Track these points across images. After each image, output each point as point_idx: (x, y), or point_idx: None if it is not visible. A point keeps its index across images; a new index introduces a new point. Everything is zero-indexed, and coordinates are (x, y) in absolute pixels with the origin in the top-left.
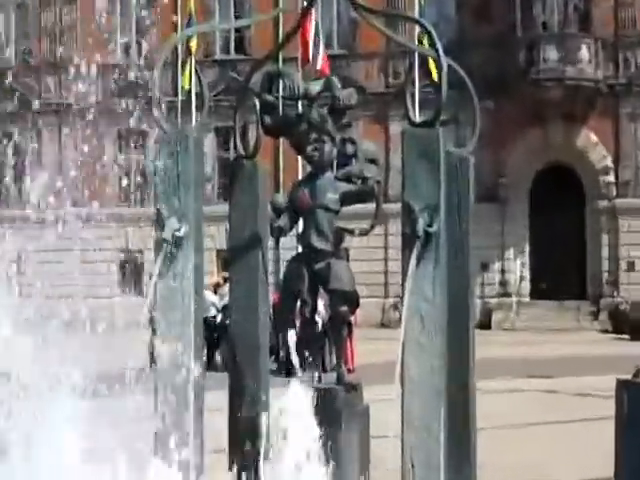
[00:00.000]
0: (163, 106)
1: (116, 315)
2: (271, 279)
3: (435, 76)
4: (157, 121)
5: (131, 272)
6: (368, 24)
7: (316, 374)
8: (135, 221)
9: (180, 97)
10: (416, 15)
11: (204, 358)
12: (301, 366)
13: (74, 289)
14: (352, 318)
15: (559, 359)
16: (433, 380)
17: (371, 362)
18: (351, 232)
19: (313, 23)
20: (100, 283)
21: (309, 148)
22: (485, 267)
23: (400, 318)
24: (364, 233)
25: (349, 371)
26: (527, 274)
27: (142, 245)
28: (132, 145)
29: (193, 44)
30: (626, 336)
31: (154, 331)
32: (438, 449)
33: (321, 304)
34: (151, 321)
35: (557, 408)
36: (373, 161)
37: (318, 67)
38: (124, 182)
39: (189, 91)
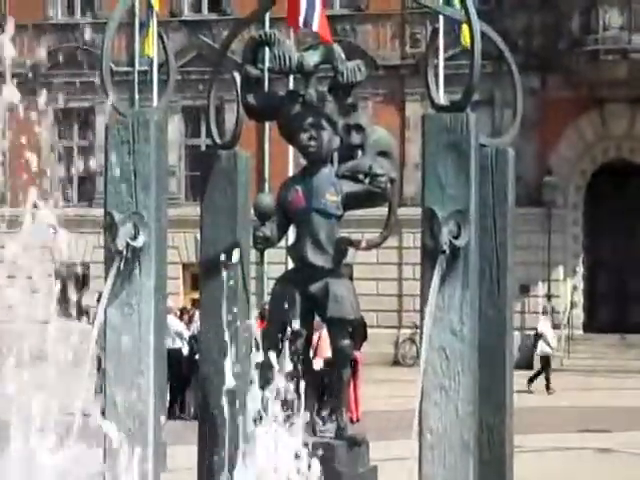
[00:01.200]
0: (116, 79)
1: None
2: (253, 303)
3: (467, 44)
4: (108, 99)
5: (74, 290)
6: None
7: (310, 425)
8: (79, 226)
9: (138, 68)
10: None
11: (167, 404)
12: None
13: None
14: (357, 354)
15: (620, 409)
16: (460, 433)
17: (381, 410)
18: (356, 244)
19: None
20: (35, 304)
21: (304, 136)
22: (526, 290)
23: (418, 354)
24: (373, 246)
25: (352, 422)
26: (580, 300)
27: (88, 257)
28: (75, 129)
29: (155, 0)
30: None
31: (102, 369)
32: None
33: (317, 336)
34: (99, 356)
35: (617, 472)
36: (385, 154)
37: (315, 29)
38: (65, 176)
39: (150, 61)
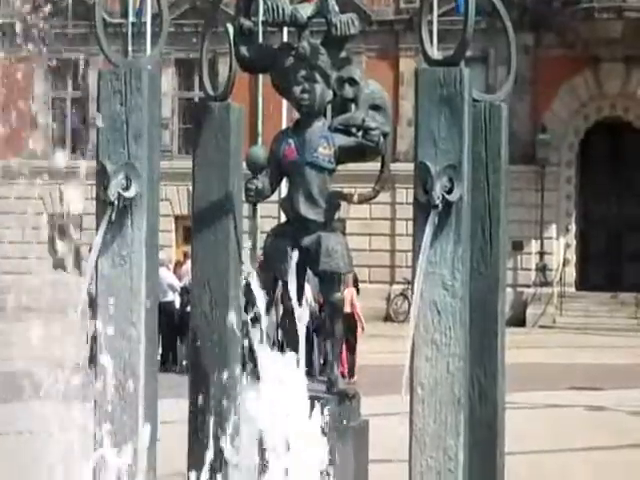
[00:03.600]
0: (109, 30)
1: (47, 297)
2: (246, 257)
3: None
4: (101, 49)
5: (66, 243)
6: None
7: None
8: (72, 177)
9: (131, 19)
10: None
11: (158, 356)
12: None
13: None
14: (358, 310)
15: (611, 367)
16: (450, 388)
17: (372, 365)
18: (349, 198)
19: None
20: (27, 256)
21: (297, 89)
22: (519, 247)
23: (410, 309)
24: (365, 200)
25: (343, 376)
26: (573, 258)
27: (81, 209)
28: (68, 80)
29: None
30: None
31: (95, 320)
32: (457, 476)
33: (309, 289)
34: (92, 307)
35: (607, 429)
36: (378, 107)
37: None
38: (57, 127)
39: (142, 11)
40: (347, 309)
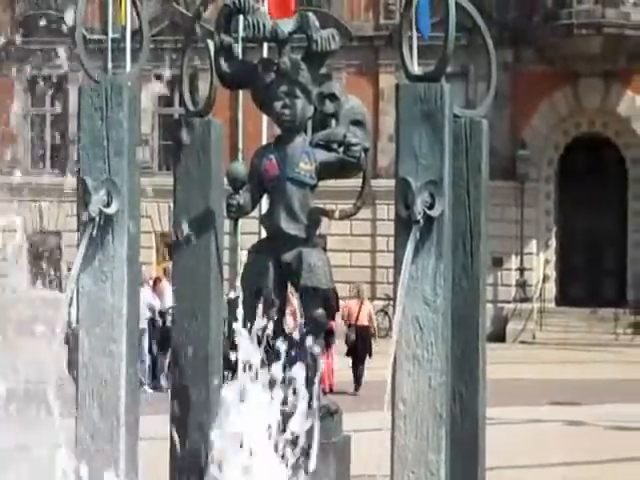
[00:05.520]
0: (89, 47)
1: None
2: (226, 273)
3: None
4: (82, 65)
5: (46, 259)
6: None
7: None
8: (52, 194)
9: (111, 35)
10: None
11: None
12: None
13: None
14: (332, 324)
15: (590, 382)
16: (432, 403)
17: (345, 382)
18: (330, 214)
19: None
20: (5, 273)
21: (278, 104)
22: (499, 263)
23: (391, 326)
24: (346, 216)
25: (325, 392)
26: (552, 274)
27: (61, 225)
28: (48, 96)
29: None
30: None
31: (73, 337)
32: None
33: (289, 308)
34: (70, 325)
35: (586, 444)
36: (359, 123)
37: None
38: (38, 143)
39: (123, 28)
40: (365, 322)
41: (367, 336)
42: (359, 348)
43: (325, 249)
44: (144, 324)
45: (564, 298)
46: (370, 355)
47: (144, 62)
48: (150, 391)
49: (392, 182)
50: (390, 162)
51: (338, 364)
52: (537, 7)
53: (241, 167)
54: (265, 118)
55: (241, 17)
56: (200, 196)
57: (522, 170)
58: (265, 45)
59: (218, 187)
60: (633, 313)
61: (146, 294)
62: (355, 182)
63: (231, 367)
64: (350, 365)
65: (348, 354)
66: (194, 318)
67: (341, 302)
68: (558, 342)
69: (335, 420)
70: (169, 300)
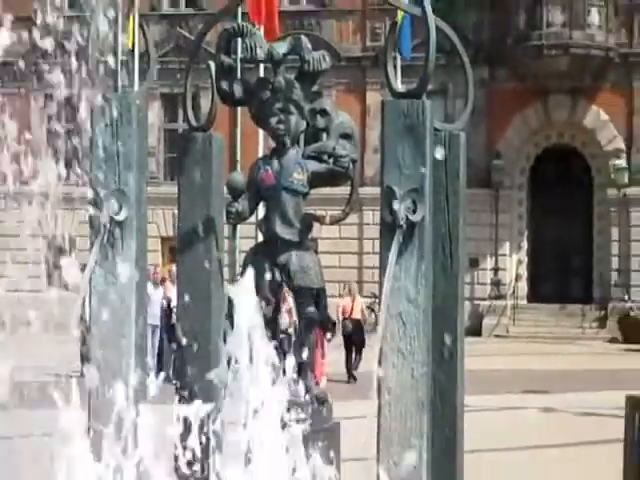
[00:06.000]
0: (101, 68)
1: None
2: (226, 274)
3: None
4: (94, 85)
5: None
6: None
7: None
8: (66, 202)
9: (121, 57)
10: None
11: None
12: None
13: None
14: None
15: (559, 372)
16: (415, 392)
17: (343, 373)
18: (321, 220)
19: None
20: (25, 275)
21: (273, 120)
22: (475, 264)
23: (377, 322)
24: (336, 221)
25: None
26: (524, 273)
27: (74, 231)
28: (63, 112)
29: None
30: (637, 346)
31: (87, 332)
32: (420, 473)
33: (285, 305)
34: (84, 320)
35: (556, 429)
36: (348, 136)
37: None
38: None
39: (132, 50)
40: (358, 316)
41: (361, 328)
42: (354, 339)
43: (317, 251)
44: (157, 321)
45: (535, 295)
46: (364, 345)
47: (151, 81)
48: (157, 382)
49: (377, 190)
50: (376, 172)
51: (334, 356)
52: (510, 29)
53: (240, 177)
54: (261, 132)
55: (239, 40)
56: (202, 204)
57: (497, 179)
58: (261, 66)
59: (219, 195)
60: (598, 309)
61: (159, 294)
62: (344, 190)
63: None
64: (345, 356)
65: (345, 345)
66: (196, 315)
67: (332, 300)
68: (530, 336)
69: (326, 408)
70: (174, 299)
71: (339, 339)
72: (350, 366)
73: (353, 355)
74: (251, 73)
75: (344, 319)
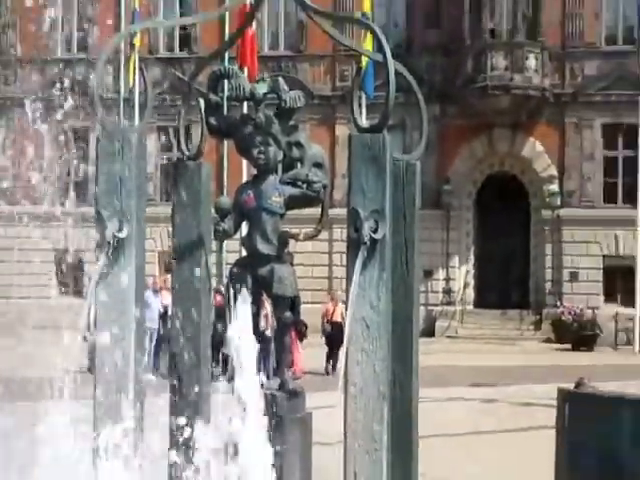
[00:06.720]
0: (105, 104)
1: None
2: (214, 283)
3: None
4: (99, 119)
5: (70, 273)
6: (316, 26)
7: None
8: (75, 221)
9: (122, 95)
10: (364, 19)
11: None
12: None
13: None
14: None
15: (501, 368)
16: (376, 385)
17: (314, 368)
18: (296, 236)
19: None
20: (38, 283)
21: (254, 150)
22: (429, 274)
23: (344, 324)
24: (309, 238)
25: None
26: (471, 282)
27: (82, 245)
28: (72, 143)
29: (137, 40)
30: (568, 346)
31: (93, 333)
32: (381, 455)
33: (263, 311)
34: (89, 323)
35: (497, 417)
36: (319, 165)
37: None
38: (64, 181)
39: (132, 89)
40: (339, 319)
41: (340, 329)
42: (335, 338)
43: (292, 264)
44: (155, 324)
45: (480, 302)
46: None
47: (149, 117)
48: (153, 377)
49: (345, 211)
50: (343, 195)
51: (316, 353)
52: (459, 72)
53: (226, 200)
54: (244, 161)
55: (226, 81)
56: (193, 222)
57: (447, 201)
58: (245, 103)
59: (207, 215)
60: (534, 313)
61: (158, 301)
62: (315, 211)
63: (218, 359)
64: (326, 353)
65: (327, 344)
66: (188, 319)
67: (305, 306)
68: (476, 336)
69: (300, 399)
70: (169, 305)
71: (322, 339)
72: (330, 360)
73: (333, 352)
74: (235, 110)
75: (326, 322)
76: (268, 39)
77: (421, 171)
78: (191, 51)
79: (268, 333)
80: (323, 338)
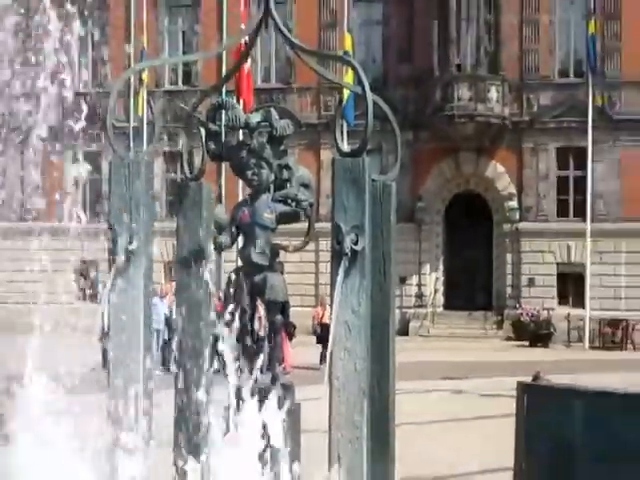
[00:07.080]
0: (116, 132)
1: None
2: (213, 289)
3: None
4: (111, 146)
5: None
6: (303, 62)
7: (253, 375)
8: (91, 235)
9: (132, 123)
10: (346, 56)
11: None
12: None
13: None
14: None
15: (468, 363)
16: (358, 380)
17: (303, 365)
18: (286, 248)
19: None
20: (60, 291)
21: (249, 173)
22: (403, 281)
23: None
24: (297, 249)
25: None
26: (441, 287)
27: (97, 256)
28: (89, 166)
29: (145, 76)
30: (526, 343)
31: (107, 334)
32: (362, 442)
33: (258, 314)
34: (104, 325)
35: (464, 406)
36: (306, 185)
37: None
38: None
39: (141, 118)
40: (327, 321)
41: (329, 330)
42: (325, 338)
43: (283, 272)
44: (161, 326)
45: (449, 304)
46: None
47: (156, 143)
48: (160, 373)
49: (329, 225)
50: (327, 211)
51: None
52: (429, 102)
53: (223, 216)
54: (240, 182)
55: (224, 112)
56: (195, 236)
57: (419, 216)
58: (240, 131)
59: (208, 230)
60: (497, 315)
61: (164, 305)
62: (303, 225)
63: (218, 355)
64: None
65: (317, 342)
66: (190, 321)
67: (295, 309)
68: (446, 335)
69: (289, 392)
70: (174, 309)
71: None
72: (323, 355)
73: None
74: (232, 137)
75: (317, 323)
76: (261, 73)
77: (396, 190)
78: (193, 85)
79: (261, 334)
80: (314, 337)
